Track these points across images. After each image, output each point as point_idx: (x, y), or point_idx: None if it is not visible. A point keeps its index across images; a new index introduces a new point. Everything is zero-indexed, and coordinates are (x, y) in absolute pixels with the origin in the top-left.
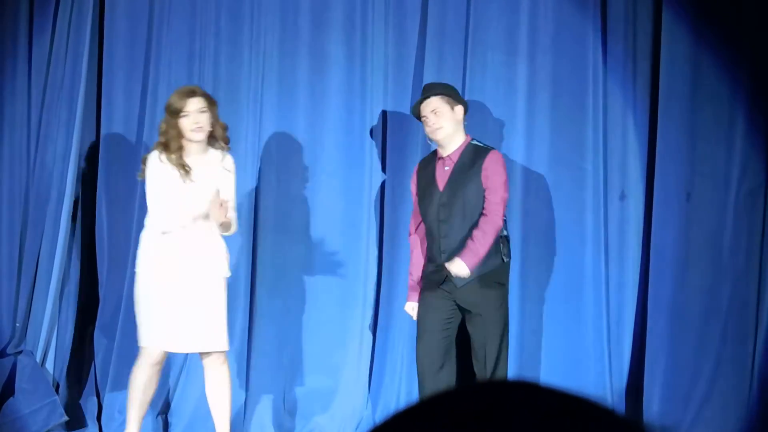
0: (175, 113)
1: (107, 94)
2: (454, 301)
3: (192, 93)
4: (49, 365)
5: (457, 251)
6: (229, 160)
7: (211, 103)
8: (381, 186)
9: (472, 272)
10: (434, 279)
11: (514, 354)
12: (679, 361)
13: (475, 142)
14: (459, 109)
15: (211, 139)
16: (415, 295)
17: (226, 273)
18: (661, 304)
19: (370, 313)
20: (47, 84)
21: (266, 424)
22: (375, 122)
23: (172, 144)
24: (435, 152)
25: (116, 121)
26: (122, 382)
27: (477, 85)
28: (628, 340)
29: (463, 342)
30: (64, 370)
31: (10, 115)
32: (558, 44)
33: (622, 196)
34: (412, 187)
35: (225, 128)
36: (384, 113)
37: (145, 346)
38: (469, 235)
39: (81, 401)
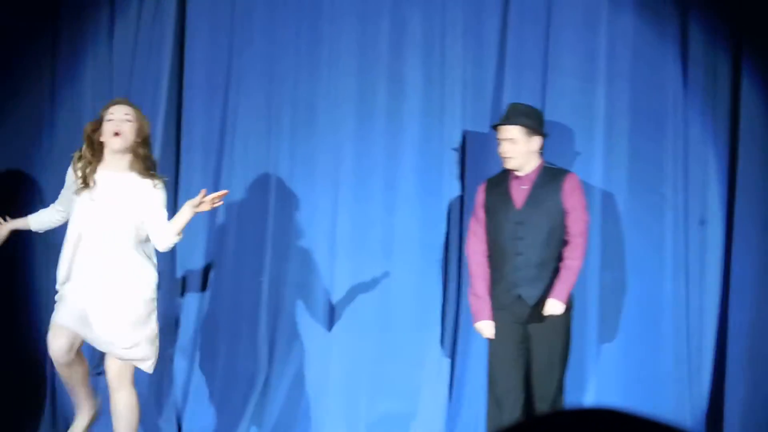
0: (101, 118)
1: (187, 118)
2: (525, 328)
3: (121, 101)
4: None
5: (532, 270)
6: (149, 186)
7: (140, 118)
8: (459, 209)
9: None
10: (504, 300)
11: (592, 379)
12: (760, 386)
13: (549, 164)
14: (536, 140)
15: (138, 167)
16: (487, 313)
17: (146, 294)
18: (741, 330)
19: (448, 335)
20: None
21: None
22: (453, 146)
23: (89, 152)
24: (507, 171)
25: (196, 145)
26: (202, 405)
27: (555, 109)
28: (707, 366)
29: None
30: (145, 391)
31: None
32: (637, 70)
33: (702, 222)
34: (480, 203)
35: (149, 157)
36: (462, 137)
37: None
38: (546, 255)
39: (161, 422)
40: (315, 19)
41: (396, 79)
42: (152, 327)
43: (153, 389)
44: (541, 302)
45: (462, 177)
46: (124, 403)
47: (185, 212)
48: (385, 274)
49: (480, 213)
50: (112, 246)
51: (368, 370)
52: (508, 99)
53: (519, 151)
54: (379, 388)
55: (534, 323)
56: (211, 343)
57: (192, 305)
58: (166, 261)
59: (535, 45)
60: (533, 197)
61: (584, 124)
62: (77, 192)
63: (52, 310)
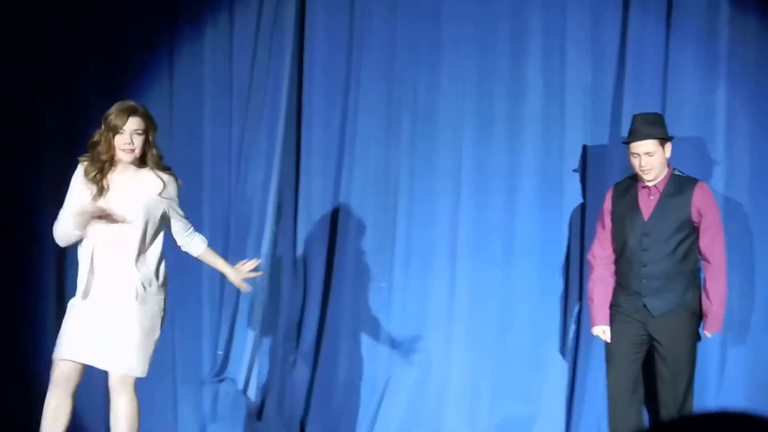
0: (112, 129)
1: (307, 123)
2: (646, 331)
3: (133, 111)
4: (251, 392)
5: (658, 281)
6: (161, 182)
7: (150, 125)
8: (580, 214)
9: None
10: (628, 308)
11: (715, 383)
12: None
13: (677, 172)
14: (668, 146)
15: (144, 162)
16: (604, 318)
17: (154, 310)
18: None
19: (570, 339)
20: (248, 113)
21: None
22: (574, 150)
23: (101, 158)
24: (633, 177)
25: (316, 149)
26: (325, 411)
27: (675, 111)
28: None
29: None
30: (267, 397)
31: (210, 143)
32: (759, 70)
33: None
34: (607, 210)
35: (159, 157)
36: (583, 141)
37: (54, 358)
38: (673, 266)
39: (283, 428)
40: (434, 23)
41: (516, 83)
42: (154, 340)
43: (274, 395)
44: (666, 313)
45: (583, 181)
46: (125, 408)
47: (226, 270)
48: (506, 278)
49: (606, 219)
50: (122, 257)
51: (490, 375)
52: (629, 101)
53: (656, 162)
54: (501, 392)
55: (658, 331)
56: (332, 348)
57: (313, 311)
58: (287, 266)
59: (655, 49)
60: (661, 208)
61: (705, 127)
62: (93, 199)
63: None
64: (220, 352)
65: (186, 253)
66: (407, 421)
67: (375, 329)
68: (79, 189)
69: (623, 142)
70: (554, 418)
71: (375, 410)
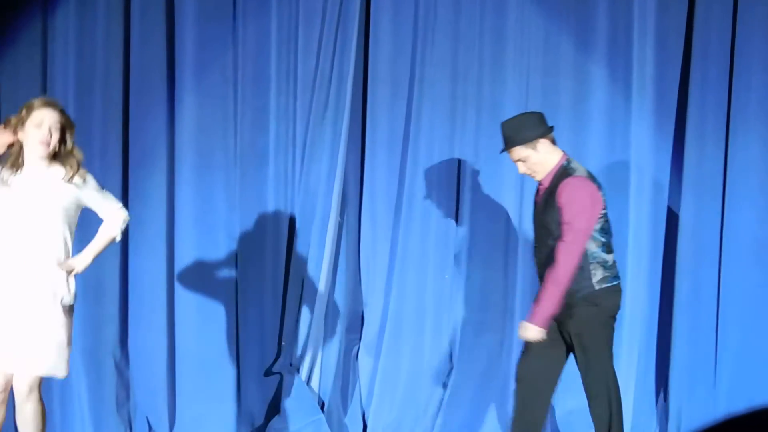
0: (27, 112)
1: (371, 115)
2: (558, 326)
3: (52, 105)
4: (315, 384)
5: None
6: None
7: (68, 124)
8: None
9: (546, 329)
10: None
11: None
12: None
13: (565, 164)
14: (542, 144)
15: (58, 158)
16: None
17: (65, 301)
18: None
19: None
20: (312, 104)
21: None
22: (639, 145)
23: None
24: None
25: (380, 141)
26: (388, 403)
27: (742, 103)
28: None
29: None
30: (330, 388)
31: (275, 134)
32: None
33: None
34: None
35: (78, 159)
36: (648, 135)
37: None
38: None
39: (346, 420)
40: (498, 18)
41: (581, 77)
42: (67, 334)
43: (337, 387)
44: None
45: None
46: (33, 413)
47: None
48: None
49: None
50: (32, 249)
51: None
52: (695, 94)
53: (532, 164)
54: (566, 385)
55: (565, 324)
56: (396, 340)
57: (377, 302)
58: (350, 258)
59: (720, 39)
60: (543, 202)
61: None
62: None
63: None
64: (284, 343)
65: (250, 245)
66: (471, 414)
67: (438, 321)
68: None
69: (500, 152)
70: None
71: (438, 402)
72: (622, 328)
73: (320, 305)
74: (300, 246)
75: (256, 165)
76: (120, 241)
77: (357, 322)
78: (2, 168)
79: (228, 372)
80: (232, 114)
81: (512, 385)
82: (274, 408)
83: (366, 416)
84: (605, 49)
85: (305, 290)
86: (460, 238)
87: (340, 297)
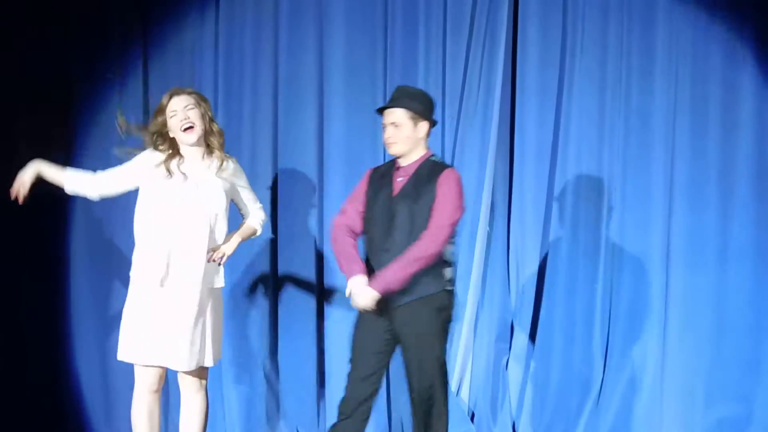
0: (161, 112)
1: (520, 123)
2: (389, 323)
3: (177, 91)
4: (464, 394)
5: None
6: (230, 167)
7: (202, 100)
8: None
9: (383, 296)
10: None
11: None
12: None
13: (434, 158)
14: (423, 126)
15: (209, 148)
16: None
17: (218, 284)
18: None
19: None
20: (460, 114)
21: None
22: None
23: (169, 146)
24: (392, 162)
25: (528, 151)
26: (537, 413)
27: None
28: None
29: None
30: (479, 398)
31: None
32: None
33: None
34: (361, 188)
35: (220, 133)
36: None
37: (136, 364)
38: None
39: (496, 430)
40: (648, 26)
41: (730, 87)
42: (221, 321)
43: (487, 397)
44: (406, 305)
45: None
46: (200, 407)
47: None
48: (720, 279)
49: (361, 196)
50: (197, 250)
51: (704, 376)
52: None
53: (402, 136)
54: (715, 394)
55: (401, 324)
56: (545, 349)
57: (526, 311)
58: (500, 267)
59: None
60: (408, 190)
61: None
62: (164, 183)
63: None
64: None
65: None
66: (620, 422)
67: (589, 331)
68: (140, 164)
69: (376, 110)
70: None
71: (589, 412)
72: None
73: (470, 315)
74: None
75: None
76: (269, 251)
77: (506, 332)
78: (163, 160)
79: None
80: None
81: (663, 394)
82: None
83: (516, 426)
84: (754, 59)
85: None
86: (610, 245)
87: (489, 306)
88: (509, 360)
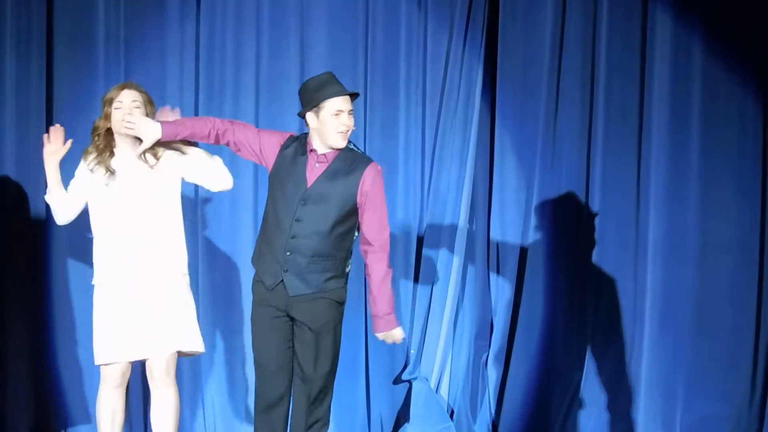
0: (108, 103)
1: (500, 122)
2: (286, 311)
3: (129, 86)
4: (444, 391)
5: (304, 255)
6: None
7: (149, 103)
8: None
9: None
10: (268, 280)
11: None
12: None
13: (352, 146)
14: None
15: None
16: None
17: (177, 269)
18: None
19: (764, 337)
20: (441, 111)
21: None
22: None
23: (102, 142)
24: (306, 140)
25: (509, 149)
26: (517, 411)
27: None
28: None
29: None
30: (459, 396)
31: (404, 142)
32: None
33: None
34: (277, 140)
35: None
36: None
37: (100, 364)
38: (324, 247)
39: (475, 427)
40: (629, 22)
41: None
42: (192, 303)
43: (467, 394)
44: (304, 297)
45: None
46: (172, 400)
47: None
48: (700, 275)
49: (271, 143)
50: (144, 234)
51: (684, 373)
52: None
53: (351, 126)
54: (696, 391)
55: (298, 314)
56: (525, 347)
57: (506, 309)
58: (480, 264)
59: None
60: (325, 179)
61: None
62: (104, 183)
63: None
64: (413, 351)
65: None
66: (599, 420)
67: (568, 328)
68: (79, 178)
69: (335, 95)
70: (751, 418)
71: (567, 409)
72: None
73: (449, 312)
74: (430, 252)
75: (385, 172)
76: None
77: (486, 329)
78: (92, 158)
79: (358, 380)
80: (362, 122)
81: (643, 391)
82: (404, 416)
83: (495, 423)
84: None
85: (434, 297)
86: (590, 243)
87: (469, 304)
88: (489, 357)
